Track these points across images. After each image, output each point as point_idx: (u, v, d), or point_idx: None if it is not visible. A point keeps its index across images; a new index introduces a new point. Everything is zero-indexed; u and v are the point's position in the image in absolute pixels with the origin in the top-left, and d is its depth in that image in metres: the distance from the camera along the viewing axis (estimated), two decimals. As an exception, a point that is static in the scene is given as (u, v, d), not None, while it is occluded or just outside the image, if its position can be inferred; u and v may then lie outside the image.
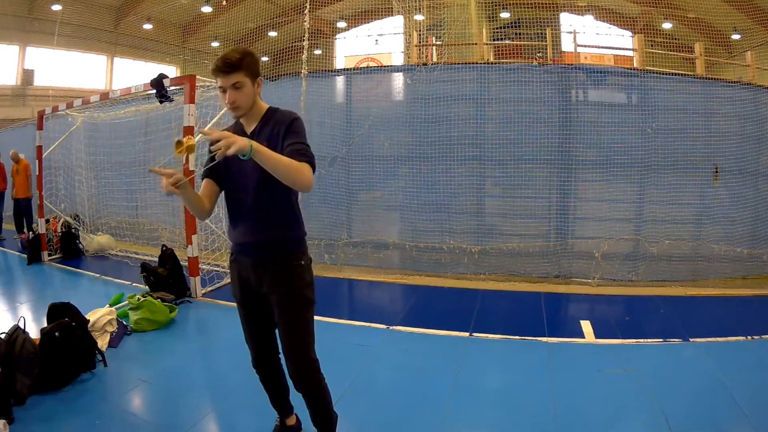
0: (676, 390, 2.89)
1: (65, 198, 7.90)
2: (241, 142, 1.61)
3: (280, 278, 1.96)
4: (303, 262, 2.01)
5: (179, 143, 1.76)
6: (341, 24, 15.92)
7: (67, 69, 16.84)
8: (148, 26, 17.52)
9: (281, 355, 2.08)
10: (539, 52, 6.73)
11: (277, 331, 2.07)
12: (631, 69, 5.88)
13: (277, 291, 1.97)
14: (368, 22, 13.91)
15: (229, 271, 2.18)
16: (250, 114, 1.93)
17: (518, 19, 8.47)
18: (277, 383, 2.22)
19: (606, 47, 9.58)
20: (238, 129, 1.98)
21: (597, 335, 3.80)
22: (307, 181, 1.79)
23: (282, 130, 1.88)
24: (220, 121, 5.13)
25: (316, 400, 2.07)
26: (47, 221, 6.89)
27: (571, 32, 6.47)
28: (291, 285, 1.97)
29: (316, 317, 2.04)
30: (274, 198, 1.93)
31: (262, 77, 1.97)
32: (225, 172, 2.00)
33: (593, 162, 5.50)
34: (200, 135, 1.90)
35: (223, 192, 2.05)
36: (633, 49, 6.42)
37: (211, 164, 1.94)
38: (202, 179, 2.04)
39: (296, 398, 2.15)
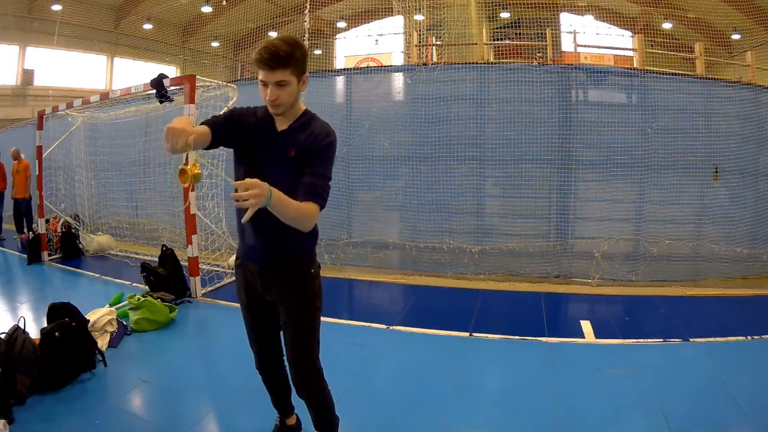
0: (676, 390, 2.89)
1: (65, 198, 7.89)
2: (263, 198, 1.49)
3: (289, 287, 1.91)
4: (312, 270, 1.96)
5: (183, 172, 1.56)
6: (341, 24, 15.90)
7: (67, 69, 16.82)
8: (148, 26, 17.50)
9: (285, 358, 2.06)
10: (539, 52, 6.73)
11: (281, 334, 2.04)
12: (631, 69, 5.89)
13: (285, 300, 1.93)
14: (368, 22, 13.89)
15: (230, 271, 2.17)
16: (287, 112, 1.82)
17: (518, 19, 8.47)
18: (280, 385, 2.21)
19: (606, 47, 9.56)
20: (266, 123, 1.84)
21: (597, 335, 3.80)
22: (308, 227, 1.73)
23: (315, 149, 1.77)
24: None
25: (319, 406, 2.06)
26: (47, 221, 6.88)
27: (571, 32, 6.47)
28: (299, 294, 1.92)
29: (316, 318, 2.03)
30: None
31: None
32: (244, 167, 1.86)
33: (593, 162, 5.50)
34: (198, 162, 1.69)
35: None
36: (633, 49, 6.42)
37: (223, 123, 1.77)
38: (202, 123, 1.80)
39: (298, 398, 2.15)
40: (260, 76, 1.71)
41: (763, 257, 5.51)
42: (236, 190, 1.50)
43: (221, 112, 1.84)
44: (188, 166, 1.57)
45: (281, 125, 1.85)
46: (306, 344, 1.95)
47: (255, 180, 1.51)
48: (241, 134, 1.81)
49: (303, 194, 1.71)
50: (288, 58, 1.67)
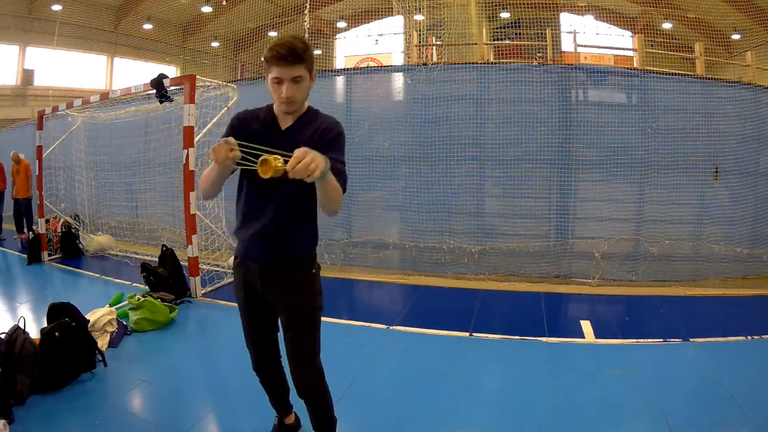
0: (676, 390, 2.89)
1: (65, 198, 7.90)
2: (323, 165, 1.46)
3: (290, 288, 1.90)
4: (314, 270, 1.95)
5: (265, 162, 1.49)
6: (341, 24, 15.91)
7: (67, 69, 16.82)
8: (148, 26, 17.51)
9: (283, 358, 2.06)
10: (539, 52, 6.73)
11: (280, 335, 2.02)
12: (631, 69, 5.89)
13: (286, 300, 1.91)
14: (368, 22, 13.89)
15: (230, 271, 2.17)
16: None
17: (518, 19, 8.46)
18: (278, 385, 2.20)
19: (606, 47, 9.56)
20: (270, 123, 1.83)
21: (597, 335, 3.80)
22: (338, 209, 1.72)
23: (326, 139, 1.76)
24: (220, 120, 5.12)
25: (319, 406, 2.05)
26: (47, 221, 6.88)
27: (571, 32, 6.47)
28: (301, 294, 1.91)
29: (316, 318, 2.03)
30: (302, 207, 1.83)
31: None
32: (250, 171, 1.79)
33: (593, 162, 5.50)
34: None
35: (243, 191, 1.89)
36: (633, 49, 6.42)
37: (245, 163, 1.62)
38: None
39: (296, 397, 2.15)
40: (275, 74, 1.68)
41: (763, 257, 5.51)
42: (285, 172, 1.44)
43: (224, 131, 1.81)
44: (272, 156, 1.50)
45: (285, 123, 1.83)
46: (307, 344, 1.95)
47: (304, 148, 1.45)
48: (248, 140, 1.69)
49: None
50: (304, 54, 1.68)
